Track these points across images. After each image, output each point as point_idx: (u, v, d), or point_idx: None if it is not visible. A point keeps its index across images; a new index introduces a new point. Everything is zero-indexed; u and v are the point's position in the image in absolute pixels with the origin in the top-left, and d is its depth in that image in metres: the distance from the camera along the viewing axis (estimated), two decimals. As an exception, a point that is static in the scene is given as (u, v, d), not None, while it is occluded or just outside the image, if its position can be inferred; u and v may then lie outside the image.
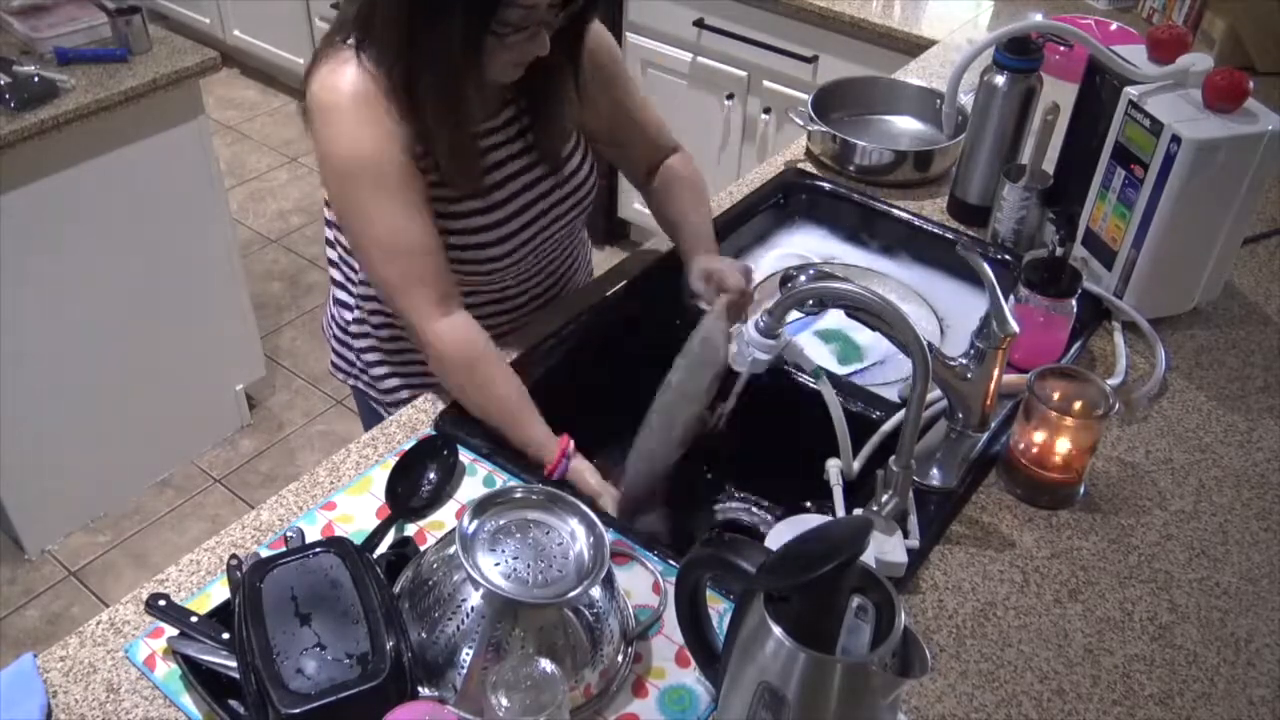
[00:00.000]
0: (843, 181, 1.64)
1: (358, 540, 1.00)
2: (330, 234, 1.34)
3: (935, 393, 1.17)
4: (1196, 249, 1.31)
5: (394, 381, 1.38)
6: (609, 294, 1.39)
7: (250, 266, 3.10)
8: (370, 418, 1.47)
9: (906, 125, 1.77)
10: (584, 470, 1.16)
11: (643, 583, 1.01)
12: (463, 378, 1.16)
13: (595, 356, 1.35)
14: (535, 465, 1.14)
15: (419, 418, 1.19)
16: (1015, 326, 1.04)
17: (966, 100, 1.58)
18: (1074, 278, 1.23)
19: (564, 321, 1.34)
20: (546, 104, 1.24)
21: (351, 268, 1.32)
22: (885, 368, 1.36)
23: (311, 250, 3.28)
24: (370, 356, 1.38)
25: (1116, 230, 1.33)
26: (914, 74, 2.00)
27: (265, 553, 1.00)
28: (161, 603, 0.94)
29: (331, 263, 1.36)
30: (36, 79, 1.92)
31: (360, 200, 1.13)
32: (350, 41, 1.12)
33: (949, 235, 1.53)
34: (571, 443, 1.16)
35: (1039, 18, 1.79)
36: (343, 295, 1.36)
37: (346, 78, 1.11)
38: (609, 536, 0.90)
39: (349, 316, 1.36)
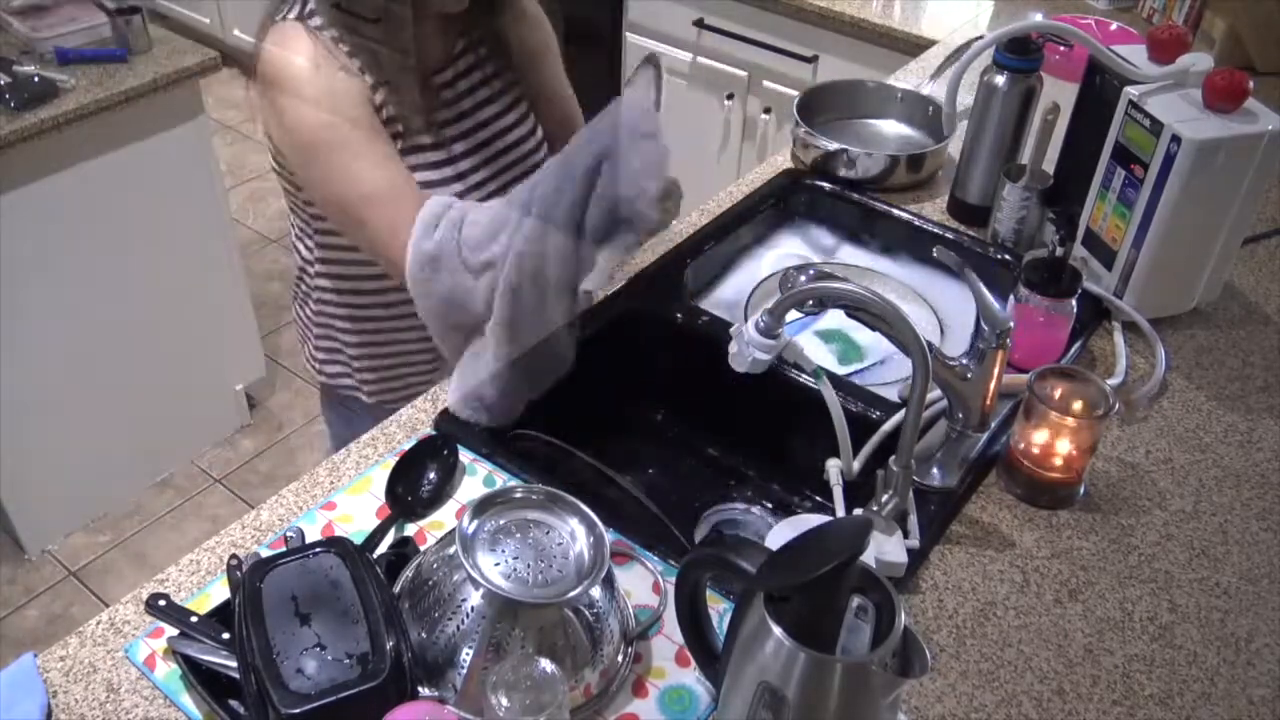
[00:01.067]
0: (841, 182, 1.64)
1: (358, 540, 1.00)
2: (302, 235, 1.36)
3: (935, 393, 1.17)
4: (1196, 249, 1.31)
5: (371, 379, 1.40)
6: (612, 291, 1.39)
7: (250, 266, 3.10)
8: (340, 418, 1.49)
9: (893, 129, 1.76)
10: None
11: (643, 583, 1.01)
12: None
13: (595, 357, 1.35)
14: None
15: (419, 418, 1.19)
16: (1008, 319, 1.04)
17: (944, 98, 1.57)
18: (1074, 278, 1.23)
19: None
20: (502, 29, 1.26)
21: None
22: (885, 368, 1.36)
23: (311, 250, 3.28)
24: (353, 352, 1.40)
25: (1116, 230, 1.33)
26: (914, 74, 2.00)
27: (265, 553, 1.00)
28: (161, 603, 0.94)
29: (308, 262, 1.37)
30: (36, 79, 1.92)
31: (339, 161, 1.13)
32: (292, 15, 1.14)
33: (949, 235, 1.53)
34: None
35: (1039, 18, 1.79)
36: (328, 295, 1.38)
37: (297, 45, 1.12)
38: (609, 536, 0.90)
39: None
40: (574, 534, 0.89)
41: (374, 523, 1.05)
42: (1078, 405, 1.10)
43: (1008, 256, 1.47)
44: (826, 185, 1.62)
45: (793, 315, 1.10)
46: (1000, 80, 1.45)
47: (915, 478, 1.08)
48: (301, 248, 1.37)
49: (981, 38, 1.40)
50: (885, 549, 1.01)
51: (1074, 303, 1.24)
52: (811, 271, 1.43)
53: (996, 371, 1.08)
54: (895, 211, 1.57)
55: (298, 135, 1.14)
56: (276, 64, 1.12)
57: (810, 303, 1.22)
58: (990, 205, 1.50)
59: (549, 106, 1.38)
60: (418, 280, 1.11)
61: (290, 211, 1.35)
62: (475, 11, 1.19)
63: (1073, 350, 1.31)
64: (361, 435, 1.17)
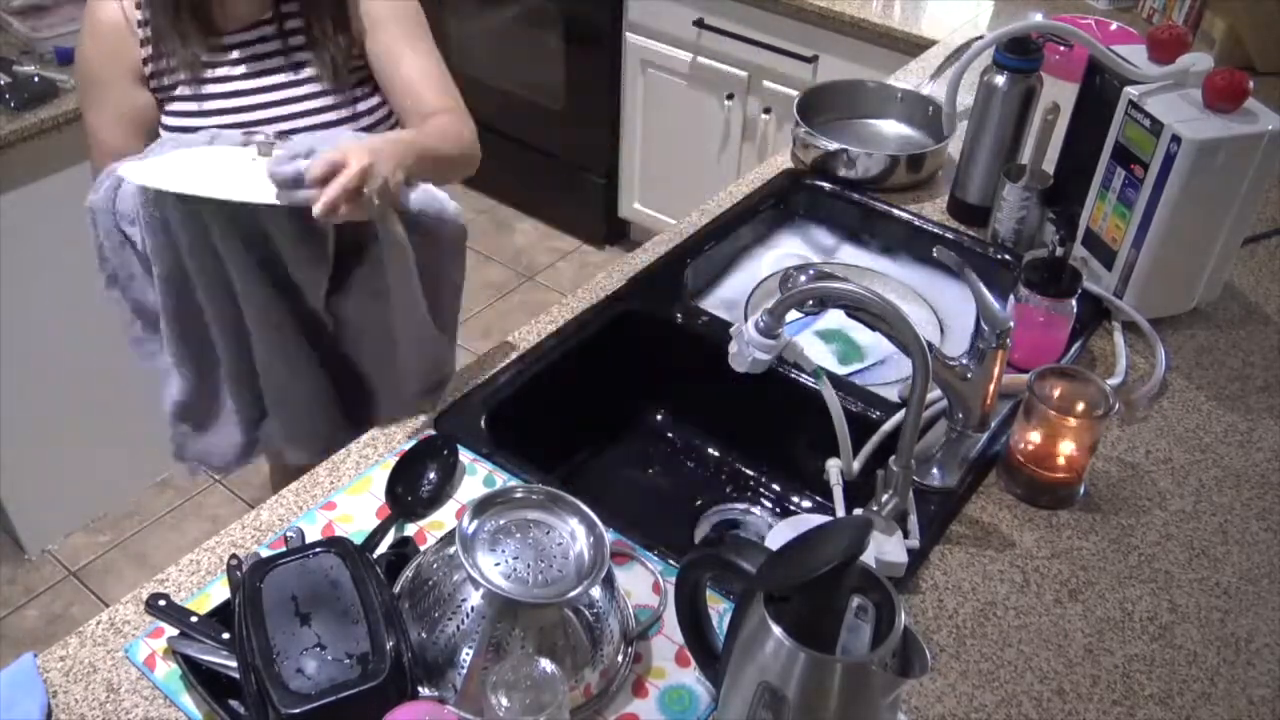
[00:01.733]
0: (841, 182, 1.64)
1: (358, 540, 1.00)
2: None
3: (935, 393, 1.17)
4: (1196, 249, 1.31)
5: None
6: (612, 290, 1.39)
7: (250, 266, 3.10)
8: None
9: (893, 129, 1.76)
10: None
11: (643, 583, 1.01)
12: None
13: (595, 356, 1.35)
14: None
15: (419, 417, 1.19)
16: (1008, 319, 1.04)
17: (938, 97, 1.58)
18: (1074, 278, 1.23)
19: (568, 319, 1.34)
20: (310, 9, 1.26)
21: None
22: (885, 368, 1.36)
23: (311, 250, 3.27)
24: None
25: (1116, 230, 1.33)
26: (914, 74, 2.00)
27: (265, 553, 1.00)
28: (161, 603, 0.94)
29: None
30: (36, 79, 1.92)
31: (83, 94, 1.32)
32: None
33: (949, 235, 1.53)
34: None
35: (1039, 18, 1.79)
36: None
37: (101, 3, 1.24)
38: (609, 536, 0.90)
39: None
40: (574, 534, 0.89)
41: (374, 523, 1.05)
42: (1078, 405, 1.10)
43: (1008, 256, 1.47)
44: (826, 185, 1.62)
45: (793, 315, 1.10)
46: (1000, 80, 1.45)
47: (915, 478, 1.08)
48: None
49: (981, 38, 1.40)
50: (885, 549, 1.01)
51: (1074, 303, 1.24)
52: (811, 271, 1.44)
53: (996, 371, 1.08)
54: (895, 211, 1.57)
55: (77, 59, 1.29)
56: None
57: (810, 303, 1.22)
58: (990, 205, 1.50)
59: (388, 78, 1.33)
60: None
61: None
62: None
63: (1073, 350, 1.31)
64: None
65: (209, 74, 1.27)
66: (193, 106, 1.27)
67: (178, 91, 1.27)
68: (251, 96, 1.28)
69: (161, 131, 1.29)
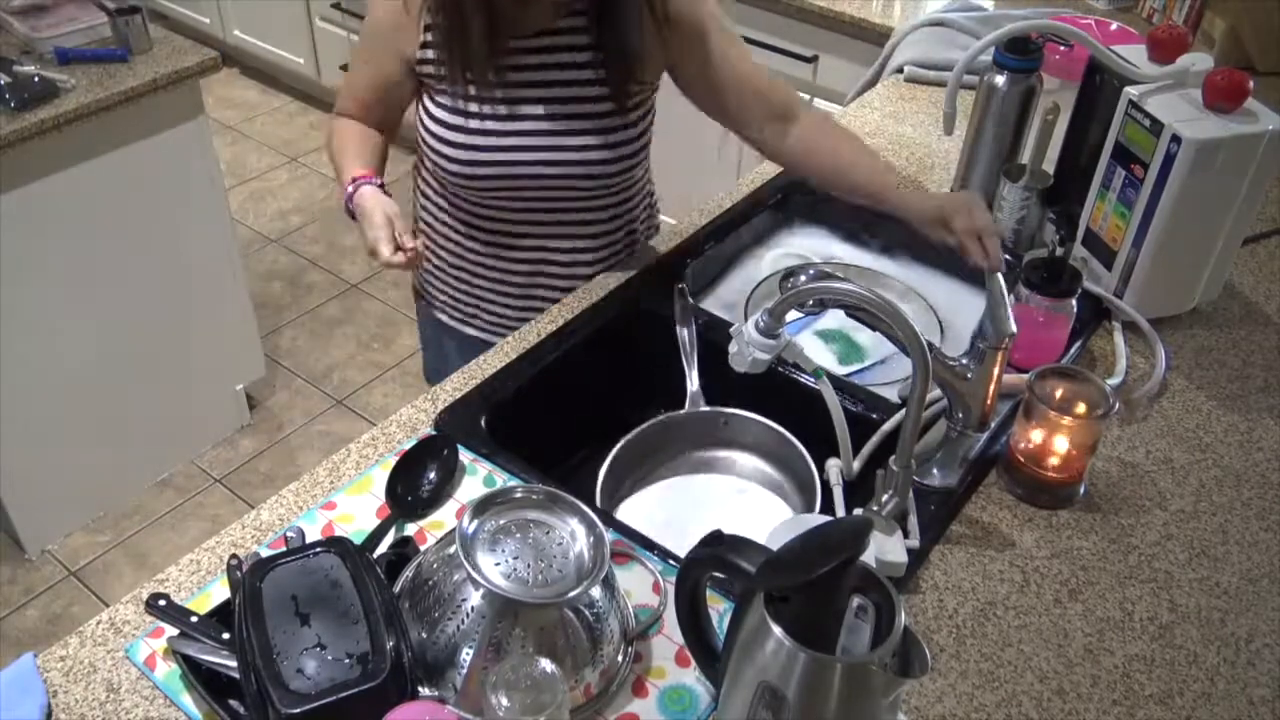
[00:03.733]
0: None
1: (358, 540, 1.00)
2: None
3: (935, 393, 1.17)
4: (1196, 249, 1.31)
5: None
6: (612, 290, 1.39)
7: (250, 266, 3.10)
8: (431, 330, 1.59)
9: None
10: (367, 196, 1.24)
11: (643, 583, 1.01)
12: (327, 138, 1.40)
13: (595, 356, 1.35)
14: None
15: (419, 418, 1.19)
16: (1013, 328, 1.04)
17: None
18: (1074, 277, 1.23)
19: (568, 319, 1.34)
20: (613, 19, 1.25)
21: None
22: (885, 368, 1.36)
23: (312, 250, 3.28)
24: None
25: (1116, 230, 1.33)
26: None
27: (265, 553, 1.00)
28: (161, 602, 0.94)
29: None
30: (36, 79, 1.92)
31: (358, 44, 1.40)
32: None
33: (949, 235, 1.53)
34: (370, 177, 1.27)
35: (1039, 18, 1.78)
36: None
37: None
38: (609, 536, 0.90)
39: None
40: (574, 534, 0.89)
41: (374, 523, 1.05)
42: (1078, 405, 1.10)
43: (1008, 256, 1.47)
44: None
45: (793, 315, 1.10)
46: (1000, 80, 1.45)
47: (915, 478, 1.08)
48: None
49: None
50: (885, 549, 1.01)
51: (1074, 303, 1.24)
52: (811, 271, 1.44)
53: (996, 371, 1.08)
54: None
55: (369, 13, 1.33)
56: None
57: (810, 303, 1.22)
58: (990, 205, 1.50)
59: (717, 73, 1.37)
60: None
61: None
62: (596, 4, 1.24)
63: (1073, 350, 1.31)
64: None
65: (489, 78, 1.27)
66: (460, 105, 1.29)
67: (445, 89, 1.29)
68: (519, 101, 1.29)
69: (424, 116, 1.33)
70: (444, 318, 1.53)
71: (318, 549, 0.91)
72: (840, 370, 1.35)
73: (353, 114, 1.39)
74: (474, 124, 1.29)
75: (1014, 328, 1.05)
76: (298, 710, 0.78)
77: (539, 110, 1.29)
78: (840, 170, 1.35)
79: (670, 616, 0.93)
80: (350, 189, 1.27)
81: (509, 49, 1.26)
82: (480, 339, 1.49)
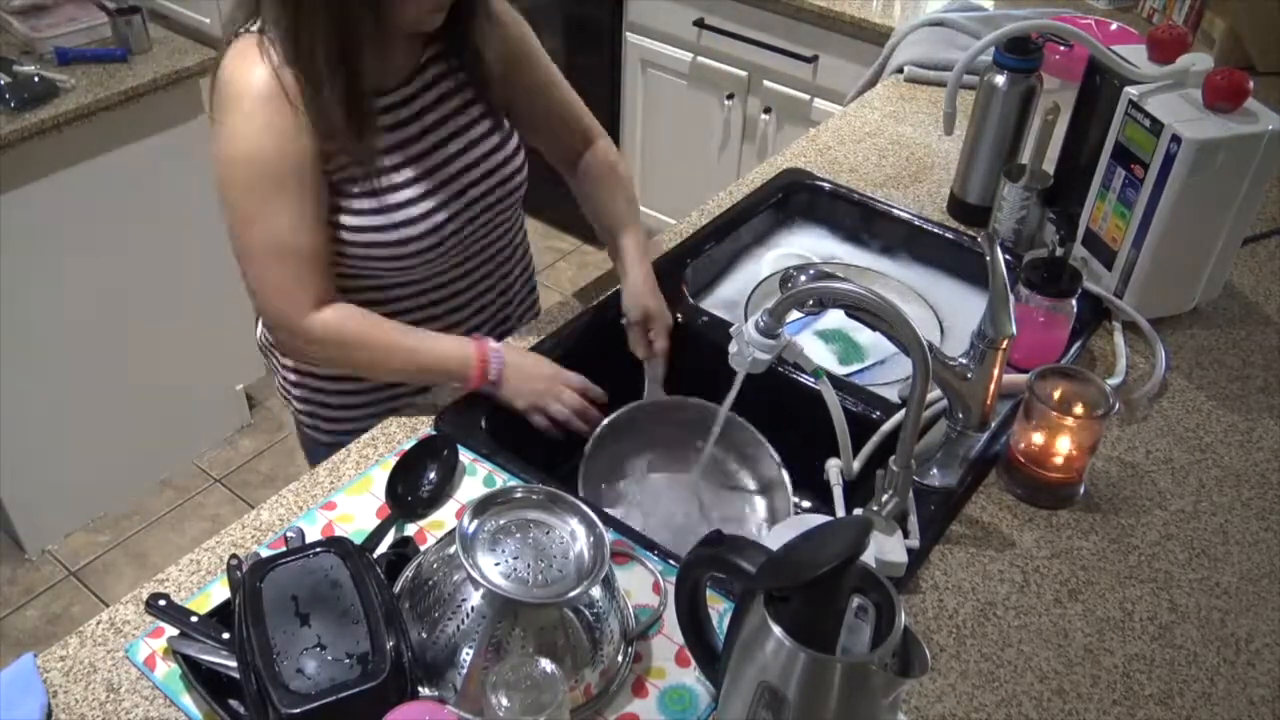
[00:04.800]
0: (843, 181, 1.64)
1: (358, 540, 1.00)
2: None
3: (935, 393, 1.17)
4: (1196, 249, 1.31)
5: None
6: (610, 293, 1.39)
7: (250, 266, 3.10)
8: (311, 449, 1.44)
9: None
10: (522, 365, 1.17)
11: (643, 583, 1.01)
12: (348, 349, 1.17)
13: (596, 356, 1.35)
14: (460, 381, 1.17)
15: (419, 418, 1.19)
16: (1013, 328, 1.04)
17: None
18: (1074, 277, 1.23)
19: (568, 319, 1.34)
20: (470, 46, 1.19)
21: None
22: (885, 368, 1.36)
23: (311, 250, 3.27)
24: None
25: (1116, 230, 1.33)
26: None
27: (265, 553, 1.00)
28: (161, 602, 0.94)
29: None
30: (36, 79, 1.92)
31: (256, 201, 1.10)
32: (254, 26, 1.09)
33: (949, 235, 1.53)
34: (490, 343, 1.17)
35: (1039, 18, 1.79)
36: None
37: (252, 71, 1.07)
38: (609, 536, 0.90)
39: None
40: (574, 534, 0.89)
41: (374, 523, 1.05)
42: (1078, 405, 1.10)
43: (1008, 257, 1.47)
44: (826, 185, 1.63)
45: (793, 315, 1.10)
46: (1000, 80, 1.45)
47: (915, 478, 1.08)
48: None
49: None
50: (885, 549, 1.01)
51: (1074, 303, 1.24)
52: (811, 271, 1.44)
53: (996, 371, 1.08)
54: (895, 211, 1.57)
55: (228, 161, 1.10)
56: (228, 78, 1.09)
57: (810, 303, 1.22)
58: (990, 205, 1.50)
59: (539, 100, 1.32)
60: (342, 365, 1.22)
61: None
62: (446, 21, 1.13)
63: (1073, 350, 1.31)
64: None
65: (385, 141, 1.16)
66: (379, 183, 1.16)
67: (352, 171, 1.14)
68: (432, 149, 1.20)
69: (346, 222, 1.15)
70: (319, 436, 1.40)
71: (318, 549, 0.91)
72: (840, 370, 1.35)
73: (320, 292, 1.13)
74: (407, 193, 1.18)
75: (1014, 329, 1.05)
76: (298, 710, 0.78)
77: (450, 148, 1.22)
78: (593, 212, 1.37)
79: (670, 616, 0.93)
80: (480, 356, 1.14)
81: (385, 107, 1.17)
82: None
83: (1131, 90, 1.27)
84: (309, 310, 1.14)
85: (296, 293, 1.13)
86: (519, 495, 0.91)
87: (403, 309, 1.27)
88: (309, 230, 1.12)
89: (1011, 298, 1.07)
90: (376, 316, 1.18)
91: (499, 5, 1.24)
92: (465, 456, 1.13)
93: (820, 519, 1.08)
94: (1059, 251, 1.23)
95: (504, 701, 0.76)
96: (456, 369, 1.16)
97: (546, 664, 0.79)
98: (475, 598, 0.85)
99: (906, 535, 1.05)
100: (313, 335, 1.15)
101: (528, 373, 1.18)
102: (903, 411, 1.11)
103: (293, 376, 1.37)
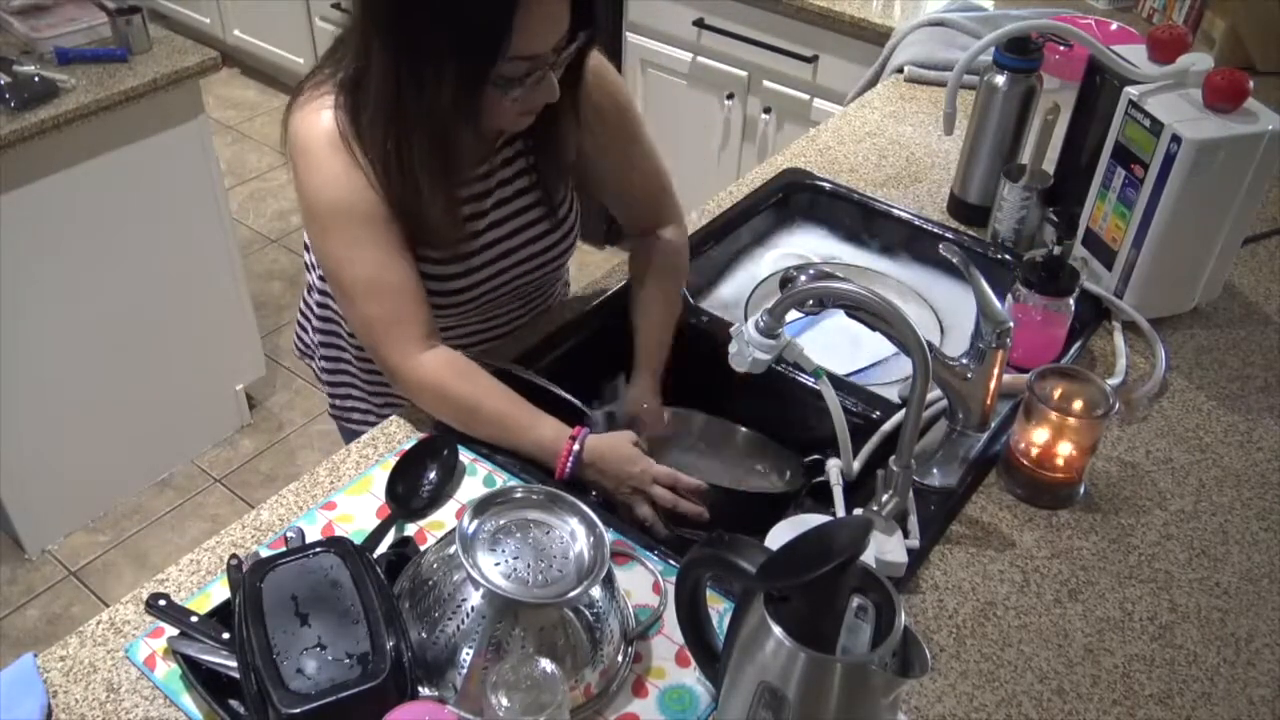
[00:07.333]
0: (843, 181, 1.64)
1: (358, 540, 1.00)
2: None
3: (935, 393, 1.17)
4: (1196, 249, 1.31)
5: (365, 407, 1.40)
6: (612, 292, 1.39)
7: (250, 266, 3.10)
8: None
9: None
10: (604, 452, 1.11)
11: (643, 583, 1.01)
12: (452, 405, 1.14)
13: (596, 356, 1.35)
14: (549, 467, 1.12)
15: (419, 417, 1.19)
16: (1009, 317, 1.04)
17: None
18: (1071, 276, 1.23)
19: (568, 319, 1.34)
20: (551, 142, 1.20)
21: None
22: (885, 368, 1.36)
23: (311, 250, 3.28)
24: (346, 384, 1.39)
25: (1116, 230, 1.33)
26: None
27: (265, 553, 1.00)
28: (161, 602, 0.94)
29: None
30: (36, 79, 1.92)
31: (342, 244, 1.10)
32: (333, 84, 1.10)
33: (949, 235, 1.53)
34: (583, 433, 1.12)
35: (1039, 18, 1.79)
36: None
37: (322, 122, 1.09)
38: (609, 536, 0.90)
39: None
40: (574, 534, 0.89)
41: (374, 523, 1.05)
42: (1078, 405, 1.10)
43: (1008, 256, 1.47)
44: (826, 185, 1.63)
45: (793, 315, 1.10)
46: (1000, 80, 1.45)
47: (915, 478, 1.08)
48: (314, 277, 1.34)
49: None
50: (885, 549, 1.01)
51: (1072, 301, 1.24)
52: (811, 271, 1.43)
53: (996, 371, 1.08)
54: (895, 211, 1.57)
55: (310, 208, 1.12)
56: (301, 129, 1.11)
57: (810, 303, 1.22)
58: (990, 205, 1.50)
59: (624, 176, 1.31)
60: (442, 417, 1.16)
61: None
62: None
63: (1073, 350, 1.31)
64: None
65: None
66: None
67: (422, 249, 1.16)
68: (486, 229, 1.21)
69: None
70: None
71: (318, 549, 0.91)
72: (840, 370, 1.35)
73: (420, 325, 1.13)
74: (453, 267, 1.20)
75: (1007, 317, 1.05)
76: (298, 710, 0.78)
77: (503, 229, 1.23)
78: (635, 310, 1.32)
79: (670, 616, 0.93)
80: (569, 465, 1.11)
81: (465, 197, 1.17)
82: None
83: (1131, 90, 1.27)
84: (415, 350, 1.12)
85: (396, 328, 1.12)
86: (519, 495, 0.91)
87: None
88: (397, 265, 1.11)
89: (997, 300, 1.06)
90: (476, 370, 1.15)
91: (608, 83, 1.22)
92: (465, 456, 1.13)
93: (820, 519, 1.08)
94: (1057, 250, 1.23)
95: (504, 701, 0.76)
96: (549, 455, 1.12)
97: (546, 664, 0.79)
98: (475, 598, 0.85)
99: (906, 535, 1.05)
100: (421, 383, 1.13)
101: (621, 455, 1.13)
102: (903, 411, 1.11)
103: (327, 365, 1.39)
